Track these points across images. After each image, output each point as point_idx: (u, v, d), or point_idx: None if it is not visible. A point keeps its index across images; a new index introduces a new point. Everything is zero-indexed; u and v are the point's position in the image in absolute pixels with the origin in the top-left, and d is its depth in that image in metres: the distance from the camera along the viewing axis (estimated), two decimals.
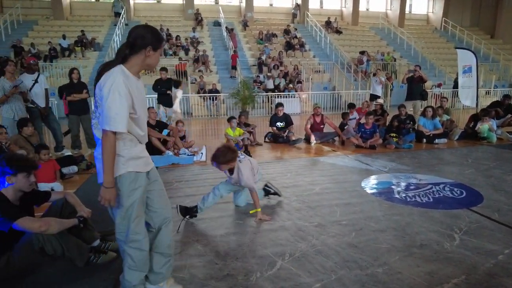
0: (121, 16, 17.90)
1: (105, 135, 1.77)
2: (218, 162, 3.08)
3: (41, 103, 5.96)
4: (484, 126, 7.17)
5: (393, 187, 4.26)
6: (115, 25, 17.48)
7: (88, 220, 2.59)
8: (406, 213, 3.39)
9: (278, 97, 13.36)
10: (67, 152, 6.14)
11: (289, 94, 13.84)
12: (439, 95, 13.54)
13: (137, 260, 1.96)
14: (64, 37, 15.94)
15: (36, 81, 5.91)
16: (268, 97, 13.65)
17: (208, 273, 2.38)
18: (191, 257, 2.59)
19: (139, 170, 1.91)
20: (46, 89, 6.11)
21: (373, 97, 10.98)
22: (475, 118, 7.67)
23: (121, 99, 1.75)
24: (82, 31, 16.56)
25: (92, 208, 2.74)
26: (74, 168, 5.07)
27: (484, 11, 24.16)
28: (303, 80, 15.07)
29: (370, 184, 4.41)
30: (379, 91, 11.40)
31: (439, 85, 15.55)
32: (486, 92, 15.56)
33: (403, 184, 4.38)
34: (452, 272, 2.37)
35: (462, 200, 3.76)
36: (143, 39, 1.84)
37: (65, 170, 4.88)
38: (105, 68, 1.85)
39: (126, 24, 18.61)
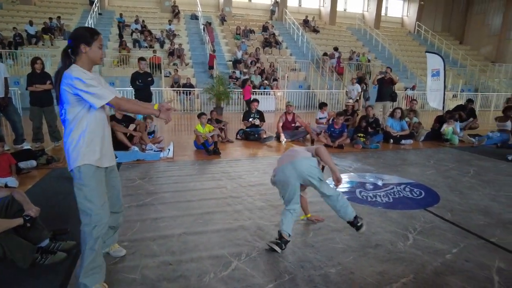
0: (94, 5, 17.24)
1: None
2: None
3: (0, 93, 5.64)
4: (448, 129, 7.45)
5: (355, 186, 4.34)
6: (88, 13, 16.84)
7: (37, 219, 2.47)
8: (365, 213, 3.45)
9: (253, 93, 13.33)
10: (27, 145, 5.86)
11: (264, 91, 13.85)
12: (411, 97, 13.95)
13: None
14: (31, 23, 15.15)
15: None
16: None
17: (161, 274, 2.33)
18: (145, 258, 2.53)
19: None
20: (5, 78, 5.80)
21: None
22: (441, 119, 7.96)
23: None
24: (50, 18, 15.82)
25: (47, 206, 2.64)
26: (33, 163, 4.83)
27: (454, 17, 25.12)
28: (278, 78, 15.12)
29: (334, 183, 4.45)
30: (353, 94, 11.57)
31: (413, 88, 16.01)
32: (453, 96, 16.19)
33: (365, 184, 4.47)
34: (402, 271, 2.44)
35: (420, 201, 3.88)
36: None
37: (22, 164, 4.65)
38: None
39: (100, 14, 17.96)
